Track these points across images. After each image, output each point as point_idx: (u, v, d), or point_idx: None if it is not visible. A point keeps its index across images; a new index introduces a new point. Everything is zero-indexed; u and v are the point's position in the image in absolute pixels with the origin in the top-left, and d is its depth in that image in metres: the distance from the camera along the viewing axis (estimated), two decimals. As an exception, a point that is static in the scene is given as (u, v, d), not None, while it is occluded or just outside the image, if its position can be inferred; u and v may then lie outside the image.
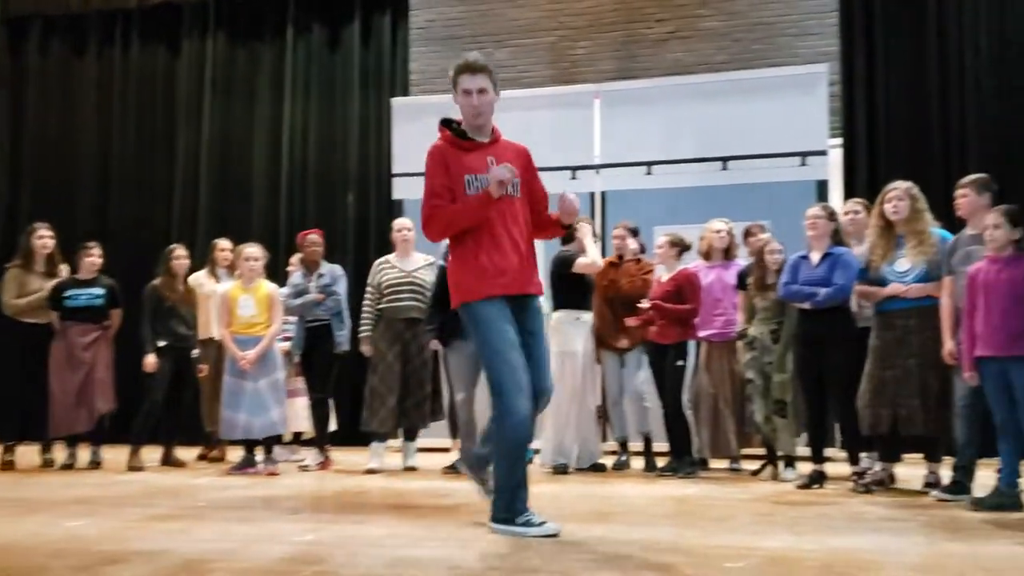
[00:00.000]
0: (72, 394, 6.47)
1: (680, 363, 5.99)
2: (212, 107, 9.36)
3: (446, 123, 3.81)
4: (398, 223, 6.62)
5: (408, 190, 8.14)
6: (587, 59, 8.77)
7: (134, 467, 6.38)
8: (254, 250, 6.32)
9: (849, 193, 7.72)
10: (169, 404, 6.69)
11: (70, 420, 6.49)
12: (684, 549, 3.31)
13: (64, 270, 6.81)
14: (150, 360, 6.59)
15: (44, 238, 6.70)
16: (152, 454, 6.74)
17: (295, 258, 6.93)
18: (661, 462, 6.11)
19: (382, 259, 6.57)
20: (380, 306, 6.35)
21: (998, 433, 4.48)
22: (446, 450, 7.09)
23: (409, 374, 6.22)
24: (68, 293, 6.58)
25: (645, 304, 5.96)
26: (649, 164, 7.87)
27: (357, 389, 6.92)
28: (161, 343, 6.63)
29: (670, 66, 8.54)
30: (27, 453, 6.70)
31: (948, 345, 4.77)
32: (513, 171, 3.61)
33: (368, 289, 6.48)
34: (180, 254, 6.88)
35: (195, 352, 6.81)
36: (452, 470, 6.01)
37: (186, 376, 6.80)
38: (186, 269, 6.89)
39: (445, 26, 9.12)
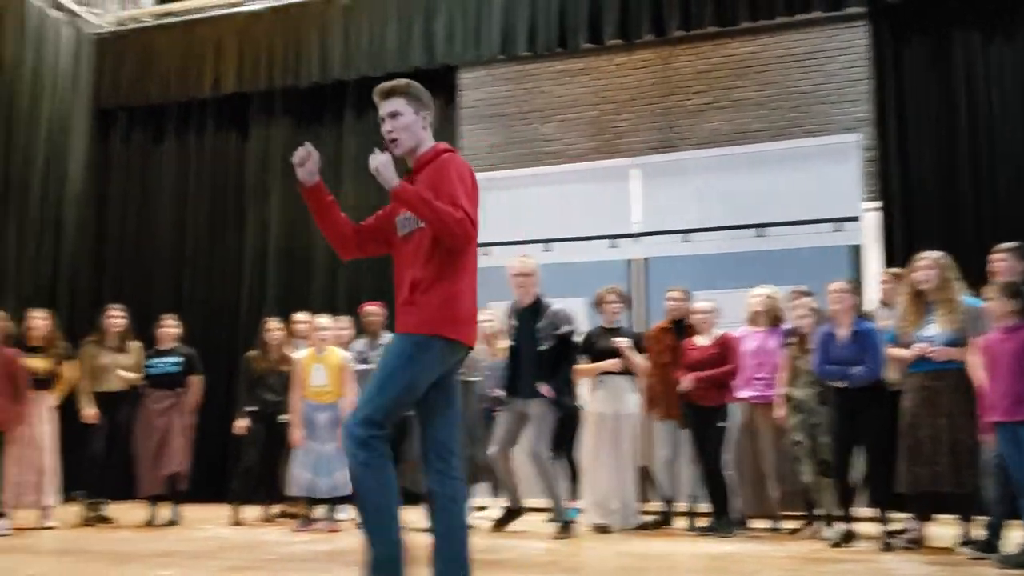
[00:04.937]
0: (149, 457, 6.99)
1: (721, 424, 6.25)
2: (278, 188, 9.80)
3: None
4: None
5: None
6: (628, 131, 9.06)
7: (237, 522, 6.92)
8: (324, 321, 6.79)
9: (888, 256, 7.90)
10: (263, 465, 7.14)
11: (149, 481, 7.01)
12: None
13: (135, 346, 7.32)
14: (239, 423, 7.15)
15: (115, 317, 7.27)
16: (220, 512, 7.23)
17: None
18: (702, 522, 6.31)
19: None
20: None
21: (1018, 493, 4.64)
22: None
23: None
24: (149, 362, 7.17)
25: (687, 379, 6.24)
26: (686, 231, 8.17)
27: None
28: (250, 408, 7.15)
29: (708, 136, 8.85)
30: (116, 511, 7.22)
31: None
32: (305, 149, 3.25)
33: None
34: (272, 327, 7.36)
35: (282, 417, 7.13)
36: (500, 525, 6.30)
37: (276, 439, 7.15)
38: (278, 340, 7.31)
39: (492, 104, 9.51)
